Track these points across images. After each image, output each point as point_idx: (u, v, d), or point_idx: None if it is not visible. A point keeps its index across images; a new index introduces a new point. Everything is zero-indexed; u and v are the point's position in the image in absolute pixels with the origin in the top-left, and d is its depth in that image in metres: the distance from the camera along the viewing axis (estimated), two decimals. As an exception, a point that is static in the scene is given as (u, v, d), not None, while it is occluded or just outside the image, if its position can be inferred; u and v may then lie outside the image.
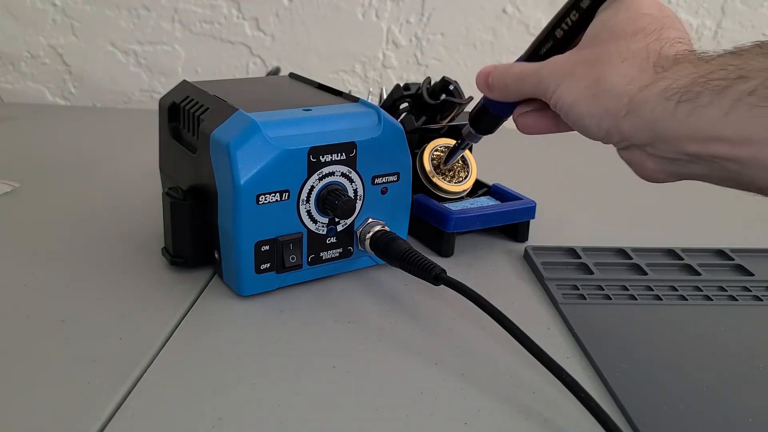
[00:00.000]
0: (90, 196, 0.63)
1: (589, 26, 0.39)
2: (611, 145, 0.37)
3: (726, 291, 0.49)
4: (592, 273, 0.51)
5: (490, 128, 0.48)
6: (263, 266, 0.44)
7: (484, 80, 0.43)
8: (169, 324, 0.42)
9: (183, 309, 0.44)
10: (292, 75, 0.59)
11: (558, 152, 0.83)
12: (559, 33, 0.41)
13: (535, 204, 0.56)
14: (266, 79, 0.63)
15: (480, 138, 0.50)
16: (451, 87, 0.56)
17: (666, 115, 0.33)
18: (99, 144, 0.81)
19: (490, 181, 0.59)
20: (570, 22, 0.40)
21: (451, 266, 0.46)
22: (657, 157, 0.35)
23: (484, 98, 0.46)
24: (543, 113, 0.42)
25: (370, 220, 0.47)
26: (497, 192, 0.58)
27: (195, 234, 0.47)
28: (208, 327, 0.43)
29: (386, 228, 0.47)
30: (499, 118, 0.47)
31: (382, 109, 0.47)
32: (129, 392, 0.36)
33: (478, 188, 0.59)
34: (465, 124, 0.51)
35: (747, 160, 0.31)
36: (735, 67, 0.31)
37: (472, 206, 0.55)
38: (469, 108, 0.58)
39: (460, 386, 0.38)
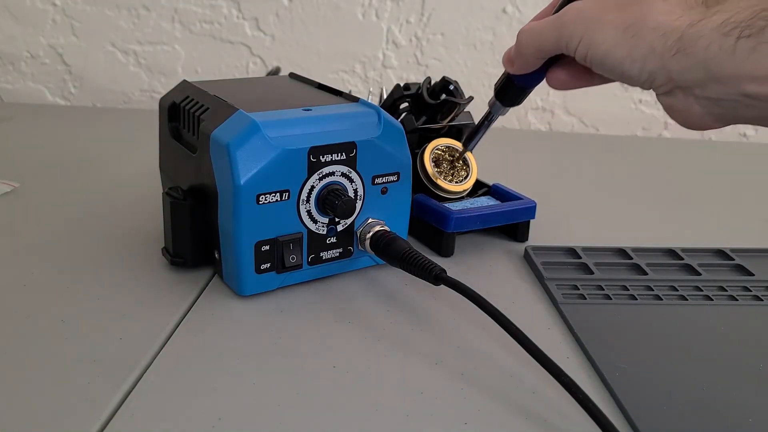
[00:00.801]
0: (90, 196, 0.63)
1: None
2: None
3: (726, 291, 0.49)
4: (592, 273, 0.51)
5: (515, 99, 0.46)
6: (263, 266, 0.44)
7: (507, 56, 0.42)
8: (169, 324, 0.42)
9: (183, 309, 0.44)
10: (292, 75, 0.59)
11: (558, 152, 0.83)
12: None
13: (535, 204, 0.56)
14: (266, 79, 0.63)
15: (507, 110, 0.48)
16: (451, 87, 0.56)
17: (724, 52, 0.30)
18: (99, 144, 0.81)
19: (490, 181, 0.59)
20: None
21: (451, 266, 0.46)
22: (706, 100, 0.32)
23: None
24: (575, 66, 0.39)
25: (370, 220, 0.47)
26: (497, 192, 0.58)
27: (195, 234, 0.47)
28: (209, 327, 0.43)
29: (386, 228, 0.47)
30: (525, 89, 0.45)
31: (382, 109, 0.47)
32: (129, 392, 0.36)
33: (478, 188, 0.59)
34: (465, 124, 0.51)
35: None
36: None
37: (472, 206, 0.55)
38: (469, 108, 0.58)
39: (460, 386, 0.38)
